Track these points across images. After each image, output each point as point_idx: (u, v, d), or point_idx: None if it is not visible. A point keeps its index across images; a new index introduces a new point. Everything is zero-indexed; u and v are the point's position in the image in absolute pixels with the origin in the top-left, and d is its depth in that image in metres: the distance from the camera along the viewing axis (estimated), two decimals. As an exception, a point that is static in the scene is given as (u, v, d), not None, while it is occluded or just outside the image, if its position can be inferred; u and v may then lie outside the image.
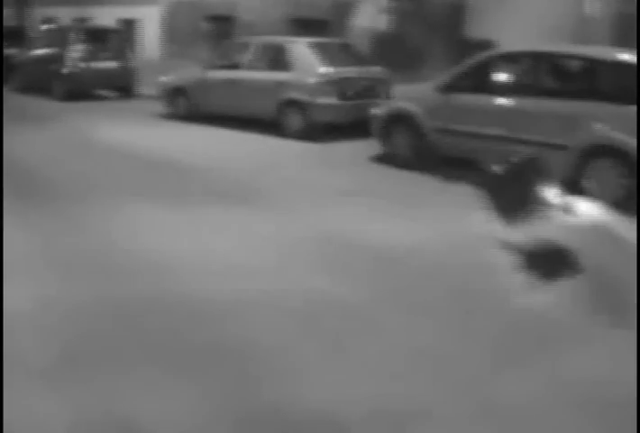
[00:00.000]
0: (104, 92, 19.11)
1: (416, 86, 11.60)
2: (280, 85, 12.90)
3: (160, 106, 15.47)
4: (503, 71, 10.01)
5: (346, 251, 6.58)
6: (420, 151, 10.39)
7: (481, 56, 9.99)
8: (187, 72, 15.17)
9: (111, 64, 18.36)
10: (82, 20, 26.24)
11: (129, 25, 24.63)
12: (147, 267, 6.01)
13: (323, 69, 12.57)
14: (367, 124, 11.22)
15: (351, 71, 12.91)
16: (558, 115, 8.83)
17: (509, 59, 10.04)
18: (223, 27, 21.52)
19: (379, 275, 5.96)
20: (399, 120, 10.58)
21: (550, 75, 9.62)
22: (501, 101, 9.47)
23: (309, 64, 12.74)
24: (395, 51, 16.58)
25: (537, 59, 9.47)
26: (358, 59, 13.71)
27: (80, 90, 18.12)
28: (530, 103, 9.16)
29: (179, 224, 7.33)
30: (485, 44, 13.65)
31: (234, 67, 14.06)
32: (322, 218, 7.67)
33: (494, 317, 5.07)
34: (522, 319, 4.95)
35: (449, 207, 8.27)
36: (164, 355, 4.45)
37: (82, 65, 17.87)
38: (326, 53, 13.11)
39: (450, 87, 9.99)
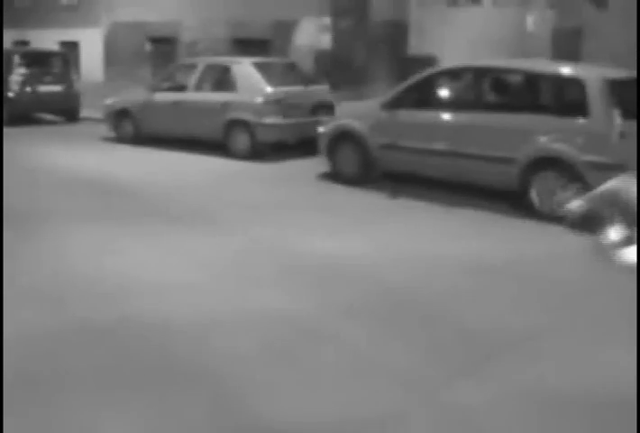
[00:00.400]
0: (48, 116, 18.90)
1: (361, 103, 11.68)
2: (226, 105, 12.87)
3: (105, 130, 15.31)
4: (447, 87, 10.12)
5: (293, 266, 6.65)
6: (366, 167, 10.44)
7: (425, 72, 10.08)
8: (131, 94, 15.01)
9: (55, 88, 18.13)
10: (23, 43, 25.96)
11: (71, 48, 24.38)
12: (89, 291, 5.91)
13: (268, 89, 12.58)
14: (314, 143, 11.25)
15: (296, 90, 12.97)
16: (502, 128, 8.94)
17: (452, 75, 10.16)
18: (165, 48, 21.46)
19: (328, 289, 5.95)
20: (345, 137, 10.62)
21: (493, 89, 9.75)
22: (445, 116, 9.56)
23: (254, 84, 12.74)
24: (338, 70, 16.68)
25: (480, 74, 9.58)
26: (303, 78, 13.75)
27: (25, 115, 17.89)
28: (474, 117, 9.26)
29: (124, 246, 7.23)
30: (428, 61, 13.81)
31: (179, 88, 13.97)
32: (269, 236, 7.71)
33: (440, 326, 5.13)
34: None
35: (394, 221, 8.44)
36: (116, 378, 4.37)
37: (26, 89, 17.65)
38: (271, 73, 13.13)
39: (394, 104, 10.06)
